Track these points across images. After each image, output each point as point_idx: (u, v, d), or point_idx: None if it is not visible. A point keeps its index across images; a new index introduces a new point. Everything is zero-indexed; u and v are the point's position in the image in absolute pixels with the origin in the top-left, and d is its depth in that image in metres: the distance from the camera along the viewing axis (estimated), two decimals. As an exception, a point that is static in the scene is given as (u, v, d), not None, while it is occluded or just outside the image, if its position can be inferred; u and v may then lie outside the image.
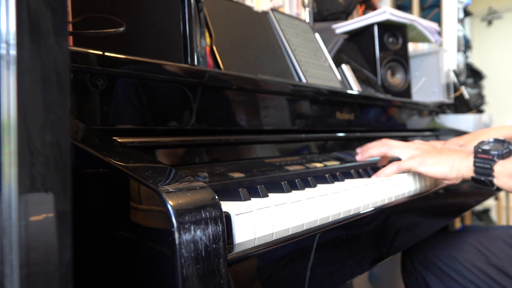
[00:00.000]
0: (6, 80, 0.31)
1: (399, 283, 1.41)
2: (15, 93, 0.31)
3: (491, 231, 1.10)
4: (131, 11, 0.80)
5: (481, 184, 0.81)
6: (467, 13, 3.60)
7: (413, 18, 1.71)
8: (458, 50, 3.09)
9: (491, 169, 0.78)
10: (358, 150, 0.95)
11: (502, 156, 0.78)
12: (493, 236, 1.07)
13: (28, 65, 0.32)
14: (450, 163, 0.83)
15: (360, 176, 0.85)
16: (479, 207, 3.83)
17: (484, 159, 0.79)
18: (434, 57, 1.84)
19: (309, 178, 0.70)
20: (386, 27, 1.65)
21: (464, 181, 0.85)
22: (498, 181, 0.78)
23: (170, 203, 0.39)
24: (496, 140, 0.83)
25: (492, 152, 0.79)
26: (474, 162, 0.81)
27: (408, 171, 0.86)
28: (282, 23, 1.19)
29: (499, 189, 0.81)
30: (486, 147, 0.81)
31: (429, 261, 1.09)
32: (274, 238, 0.52)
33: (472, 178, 0.82)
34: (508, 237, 1.05)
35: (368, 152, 0.92)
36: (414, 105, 1.54)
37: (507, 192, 0.82)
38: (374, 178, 0.82)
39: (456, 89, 2.04)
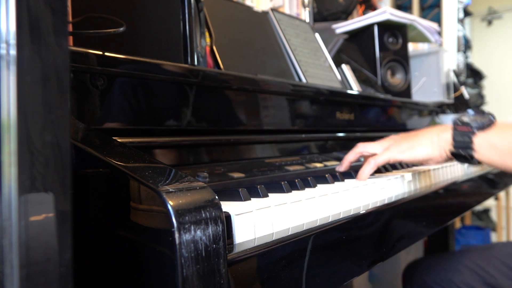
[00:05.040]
0: (6, 80, 0.31)
1: (399, 283, 1.41)
2: (15, 93, 0.31)
3: (486, 251, 1.13)
4: (131, 11, 0.80)
5: (461, 159, 0.77)
6: (467, 13, 3.60)
7: (413, 18, 1.71)
8: (458, 50, 3.09)
9: (471, 142, 0.73)
10: (337, 167, 0.89)
11: (483, 128, 0.74)
12: (488, 255, 1.09)
13: (28, 65, 0.32)
14: (428, 141, 0.79)
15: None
16: (479, 207, 3.83)
17: (463, 132, 0.75)
18: (434, 57, 1.83)
19: (309, 178, 0.70)
20: (386, 27, 1.65)
21: (449, 159, 0.79)
22: (478, 154, 0.74)
23: (170, 203, 0.39)
24: (477, 112, 0.79)
25: (472, 124, 0.74)
26: (453, 135, 0.76)
27: (387, 163, 0.82)
28: (282, 23, 1.19)
29: (479, 163, 0.76)
30: (465, 119, 0.76)
31: (427, 285, 1.11)
32: (274, 238, 0.52)
33: (451, 152, 0.77)
34: (503, 255, 1.08)
35: (346, 159, 0.87)
36: (414, 105, 1.54)
37: (487, 165, 0.77)
38: (356, 181, 0.77)
39: (456, 89, 2.04)
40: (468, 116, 0.77)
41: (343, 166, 0.87)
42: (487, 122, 0.74)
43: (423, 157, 0.79)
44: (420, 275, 1.15)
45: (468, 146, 0.74)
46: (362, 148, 0.86)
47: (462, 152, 0.75)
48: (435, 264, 1.14)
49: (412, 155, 0.80)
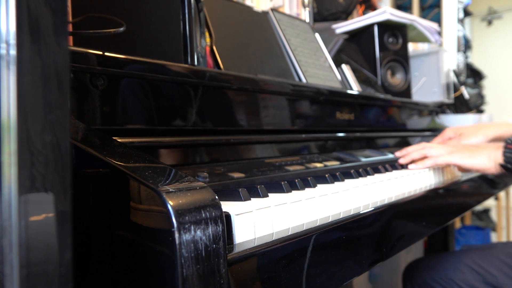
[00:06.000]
0: (6, 80, 0.31)
1: (399, 283, 1.41)
2: (15, 93, 0.31)
3: (486, 251, 1.14)
4: (131, 11, 0.80)
5: (510, 171, 0.91)
6: (467, 13, 3.59)
7: (413, 18, 1.71)
8: (458, 50, 3.08)
9: None
10: (398, 153, 1.02)
11: None
12: (488, 255, 1.11)
13: (28, 65, 0.32)
14: (486, 154, 0.93)
15: (360, 176, 0.85)
16: (479, 207, 3.83)
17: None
18: (434, 57, 1.83)
19: (309, 178, 0.70)
20: (386, 27, 1.65)
21: (501, 173, 0.94)
22: None
23: (170, 203, 0.39)
24: None
25: None
26: (504, 152, 0.91)
27: (446, 165, 0.95)
28: (282, 23, 1.19)
29: None
30: None
31: (427, 284, 1.13)
32: (274, 238, 0.52)
33: (501, 165, 0.91)
34: (503, 254, 1.09)
35: (410, 156, 0.98)
36: (414, 105, 1.54)
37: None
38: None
39: (456, 89, 2.03)
40: None
41: (405, 160, 0.98)
42: None
43: (480, 167, 0.94)
44: (421, 274, 1.15)
45: None
46: (427, 150, 0.97)
47: (509, 165, 0.90)
48: (436, 263, 1.15)
49: (472, 163, 0.94)
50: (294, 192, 0.64)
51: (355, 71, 1.42)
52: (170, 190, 0.41)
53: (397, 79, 1.67)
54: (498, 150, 0.93)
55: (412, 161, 0.98)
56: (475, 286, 1.05)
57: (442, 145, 1.00)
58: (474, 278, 1.06)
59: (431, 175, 0.97)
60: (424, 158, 0.98)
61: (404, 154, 1.00)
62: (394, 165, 0.96)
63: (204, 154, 0.74)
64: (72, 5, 0.71)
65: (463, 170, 1.01)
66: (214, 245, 0.41)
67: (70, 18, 0.71)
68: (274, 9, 1.21)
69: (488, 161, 0.93)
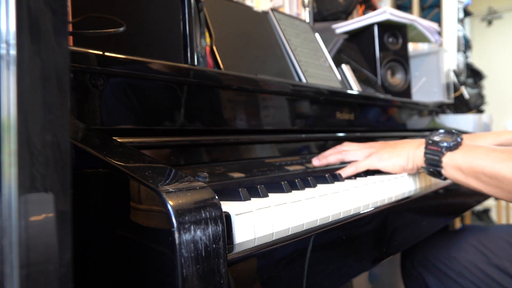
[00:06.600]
0: (6, 80, 0.31)
1: (399, 283, 1.41)
2: (15, 93, 0.31)
3: (491, 230, 1.10)
4: (131, 11, 0.80)
5: (431, 174, 0.84)
6: (467, 13, 3.60)
7: (413, 18, 1.71)
8: (458, 50, 3.09)
9: (440, 161, 0.80)
10: (314, 159, 0.92)
11: (450, 148, 0.80)
12: (493, 235, 1.06)
13: (28, 65, 0.32)
14: (405, 154, 0.86)
15: (360, 176, 0.85)
16: (479, 207, 3.83)
17: (434, 150, 0.82)
18: (434, 57, 1.84)
19: (309, 178, 0.70)
20: (386, 27, 1.65)
21: (419, 170, 0.88)
22: (445, 172, 0.81)
23: (170, 203, 0.39)
24: (446, 132, 0.85)
25: (441, 144, 0.81)
26: (425, 153, 0.83)
27: (366, 170, 0.87)
28: (282, 23, 1.19)
29: (446, 179, 0.83)
30: (436, 138, 0.83)
31: (429, 262, 1.08)
32: (274, 238, 0.52)
33: (423, 168, 0.85)
34: (508, 235, 1.04)
35: (327, 159, 0.91)
36: (414, 105, 1.54)
37: (454, 182, 0.85)
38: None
39: (456, 89, 2.04)
40: (439, 135, 0.84)
41: (320, 163, 0.91)
42: (454, 142, 0.80)
43: (399, 169, 0.86)
44: (422, 252, 1.11)
45: (437, 164, 0.81)
46: (344, 155, 0.91)
47: (431, 169, 0.83)
48: (439, 241, 1.11)
49: (390, 166, 0.86)
50: (294, 192, 0.64)
51: (355, 71, 1.42)
52: (170, 190, 0.41)
53: (397, 79, 1.67)
54: (417, 149, 0.85)
55: (327, 164, 0.91)
56: (479, 266, 1.01)
57: (360, 147, 0.92)
58: (478, 258, 1.02)
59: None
60: (342, 161, 0.91)
61: (320, 158, 0.91)
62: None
63: (204, 154, 0.74)
64: (72, 5, 0.71)
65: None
66: (214, 245, 0.41)
67: (70, 18, 0.71)
68: (274, 9, 1.21)
69: (407, 162, 0.85)
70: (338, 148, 0.93)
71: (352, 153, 0.91)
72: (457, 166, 0.78)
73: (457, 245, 1.07)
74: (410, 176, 0.87)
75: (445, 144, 0.81)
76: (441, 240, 1.12)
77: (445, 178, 0.82)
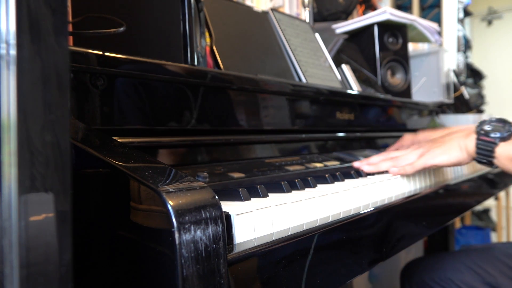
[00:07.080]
0: (6, 80, 0.31)
1: (398, 283, 1.41)
2: (15, 93, 0.31)
3: (486, 251, 1.13)
4: (131, 11, 0.80)
5: (483, 164, 0.84)
6: (467, 13, 3.60)
7: (413, 18, 1.71)
8: (458, 50, 3.09)
9: (493, 151, 0.81)
10: (360, 164, 0.90)
11: (504, 139, 0.81)
12: (488, 255, 1.09)
13: (28, 65, 0.32)
14: (456, 145, 0.86)
15: (360, 176, 0.85)
16: (479, 207, 3.83)
17: (486, 141, 0.82)
18: (434, 57, 1.83)
19: (309, 178, 0.70)
20: (386, 27, 1.65)
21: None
22: (498, 162, 0.81)
23: (170, 203, 0.39)
24: (497, 120, 0.84)
25: (494, 135, 0.81)
26: (477, 144, 0.83)
27: (423, 169, 0.87)
28: (282, 23, 1.19)
29: (497, 168, 0.84)
30: (487, 127, 0.83)
31: (426, 284, 1.11)
32: (274, 238, 0.52)
33: (474, 159, 0.85)
34: (502, 255, 1.08)
35: (377, 167, 0.88)
36: (414, 105, 1.54)
37: (505, 172, 0.86)
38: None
39: (456, 89, 2.04)
40: (490, 123, 0.83)
41: (368, 168, 0.88)
42: (508, 133, 0.81)
43: (455, 161, 0.86)
44: (419, 273, 1.14)
45: (490, 155, 0.82)
46: (395, 161, 0.88)
47: (484, 159, 0.83)
48: (435, 263, 1.14)
49: (446, 160, 0.86)
50: (294, 192, 0.64)
51: (355, 71, 1.42)
52: (170, 190, 0.41)
53: (397, 79, 1.67)
54: (468, 139, 0.84)
55: (379, 172, 0.88)
56: (474, 286, 1.04)
57: (409, 152, 0.90)
58: (473, 278, 1.05)
59: (431, 175, 0.97)
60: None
61: (371, 163, 0.89)
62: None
63: (204, 154, 0.74)
64: (72, 5, 0.71)
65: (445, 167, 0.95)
66: (214, 245, 0.41)
67: (70, 18, 0.71)
68: (274, 9, 1.21)
69: (461, 153, 0.85)
70: (385, 154, 0.91)
71: (403, 158, 0.89)
72: (510, 157, 0.79)
73: (453, 267, 1.10)
74: (409, 176, 0.87)
75: (498, 134, 0.81)
76: (438, 261, 1.15)
77: (496, 167, 0.83)
